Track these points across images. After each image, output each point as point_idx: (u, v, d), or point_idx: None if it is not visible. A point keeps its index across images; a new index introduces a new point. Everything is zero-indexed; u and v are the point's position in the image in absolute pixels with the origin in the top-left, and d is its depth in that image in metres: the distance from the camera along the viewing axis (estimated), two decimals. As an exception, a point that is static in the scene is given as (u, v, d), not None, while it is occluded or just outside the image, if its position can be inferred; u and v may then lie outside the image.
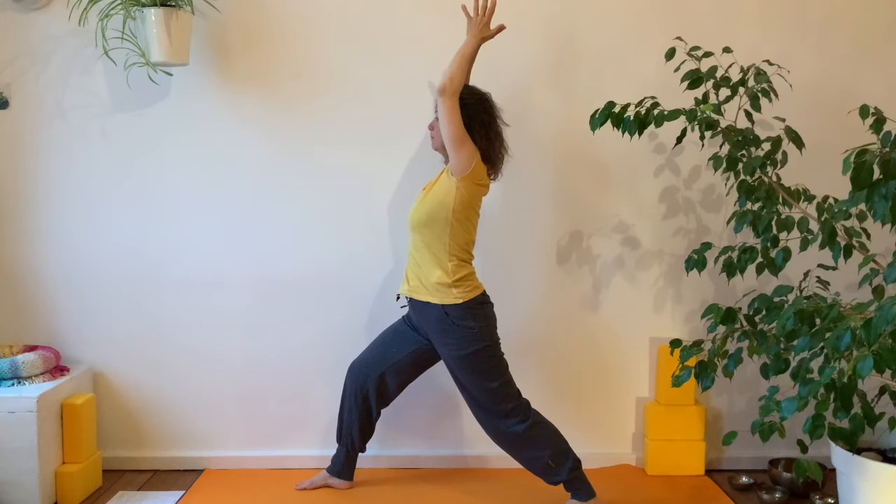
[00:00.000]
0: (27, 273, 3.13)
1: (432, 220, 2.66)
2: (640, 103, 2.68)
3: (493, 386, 2.69)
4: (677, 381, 2.67)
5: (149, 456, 3.20)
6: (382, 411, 2.96)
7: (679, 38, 2.81)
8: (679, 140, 2.77)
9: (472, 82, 2.76)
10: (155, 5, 2.79)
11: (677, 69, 2.75)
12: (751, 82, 2.71)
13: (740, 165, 2.69)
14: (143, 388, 3.19)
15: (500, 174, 2.79)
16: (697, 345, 2.68)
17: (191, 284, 3.14)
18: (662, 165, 3.17)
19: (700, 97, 2.75)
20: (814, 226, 2.67)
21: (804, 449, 2.46)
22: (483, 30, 2.68)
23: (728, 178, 2.82)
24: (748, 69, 2.72)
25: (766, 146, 2.72)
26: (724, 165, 2.69)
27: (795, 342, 2.38)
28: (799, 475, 2.27)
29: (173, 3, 2.81)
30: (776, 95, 2.70)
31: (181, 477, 3.13)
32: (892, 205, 2.17)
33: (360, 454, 3.00)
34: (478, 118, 2.65)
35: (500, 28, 2.71)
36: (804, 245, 2.65)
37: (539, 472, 2.77)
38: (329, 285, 3.16)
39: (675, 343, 2.78)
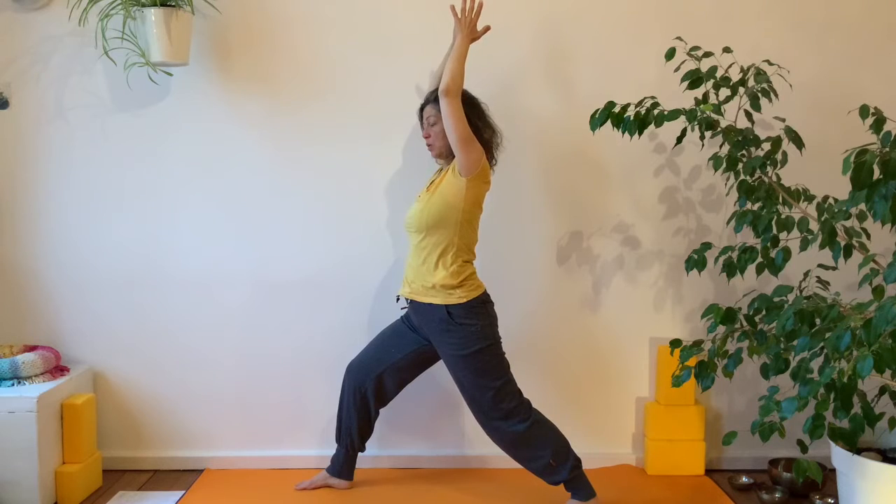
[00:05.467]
0: (27, 273, 3.13)
1: (442, 221, 2.65)
2: (640, 103, 2.68)
3: (495, 385, 2.68)
4: (677, 381, 2.67)
5: (149, 456, 3.20)
6: (382, 411, 2.97)
7: (679, 38, 2.81)
8: (679, 140, 2.77)
9: (474, 81, 2.76)
10: (155, 5, 2.79)
11: (677, 69, 2.75)
12: (751, 82, 2.71)
13: (740, 165, 2.69)
14: (143, 388, 3.19)
15: (495, 164, 2.81)
16: (697, 345, 2.68)
17: (190, 284, 3.14)
18: (662, 165, 3.17)
19: (700, 97, 2.75)
20: (814, 226, 2.66)
21: (804, 449, 2.46)
22: (472, 31, 2.69)
23: (728, 178, 2.82)
24: (748, 69, 2.72)
25: (766, 146, 2.72)
26: (724, 165, 2.69)
27: (795, 342, 2.38)
28: (799, 475, 2.27)
29: (173, 3, 2.81)
30: (776, 95, 2.70)
31: (181, 477, 3.13)
32: (892, 205, 2.17)
33: (359, 454, 3.00)
34: (471, 112, 2.66)
35: (486, 29, 2.73)
36: (804, 245, 2.65)
37: (539, 471, 2.76)
38: (329, 285, 3.16)
39: (675, 343, 2.78)
